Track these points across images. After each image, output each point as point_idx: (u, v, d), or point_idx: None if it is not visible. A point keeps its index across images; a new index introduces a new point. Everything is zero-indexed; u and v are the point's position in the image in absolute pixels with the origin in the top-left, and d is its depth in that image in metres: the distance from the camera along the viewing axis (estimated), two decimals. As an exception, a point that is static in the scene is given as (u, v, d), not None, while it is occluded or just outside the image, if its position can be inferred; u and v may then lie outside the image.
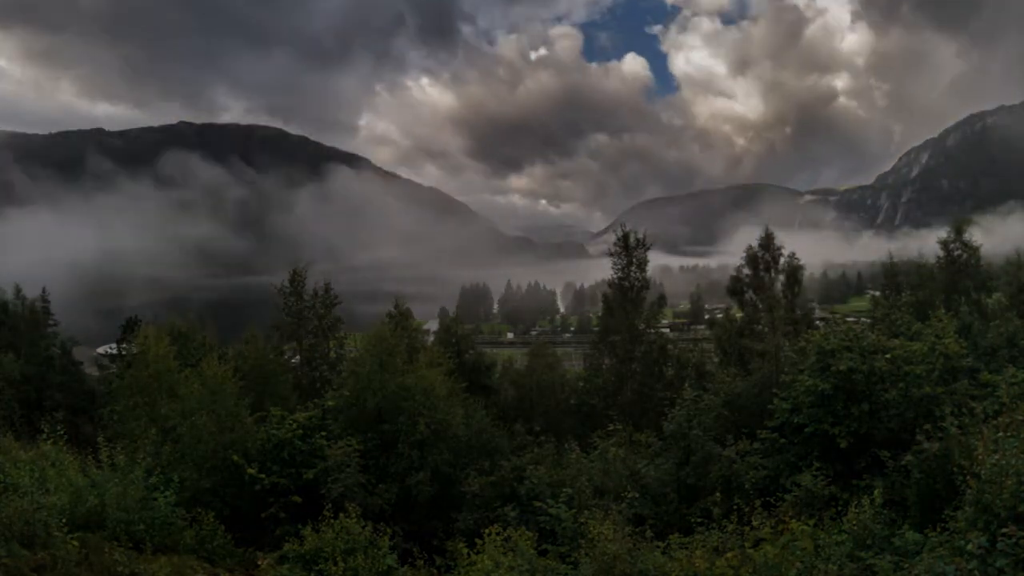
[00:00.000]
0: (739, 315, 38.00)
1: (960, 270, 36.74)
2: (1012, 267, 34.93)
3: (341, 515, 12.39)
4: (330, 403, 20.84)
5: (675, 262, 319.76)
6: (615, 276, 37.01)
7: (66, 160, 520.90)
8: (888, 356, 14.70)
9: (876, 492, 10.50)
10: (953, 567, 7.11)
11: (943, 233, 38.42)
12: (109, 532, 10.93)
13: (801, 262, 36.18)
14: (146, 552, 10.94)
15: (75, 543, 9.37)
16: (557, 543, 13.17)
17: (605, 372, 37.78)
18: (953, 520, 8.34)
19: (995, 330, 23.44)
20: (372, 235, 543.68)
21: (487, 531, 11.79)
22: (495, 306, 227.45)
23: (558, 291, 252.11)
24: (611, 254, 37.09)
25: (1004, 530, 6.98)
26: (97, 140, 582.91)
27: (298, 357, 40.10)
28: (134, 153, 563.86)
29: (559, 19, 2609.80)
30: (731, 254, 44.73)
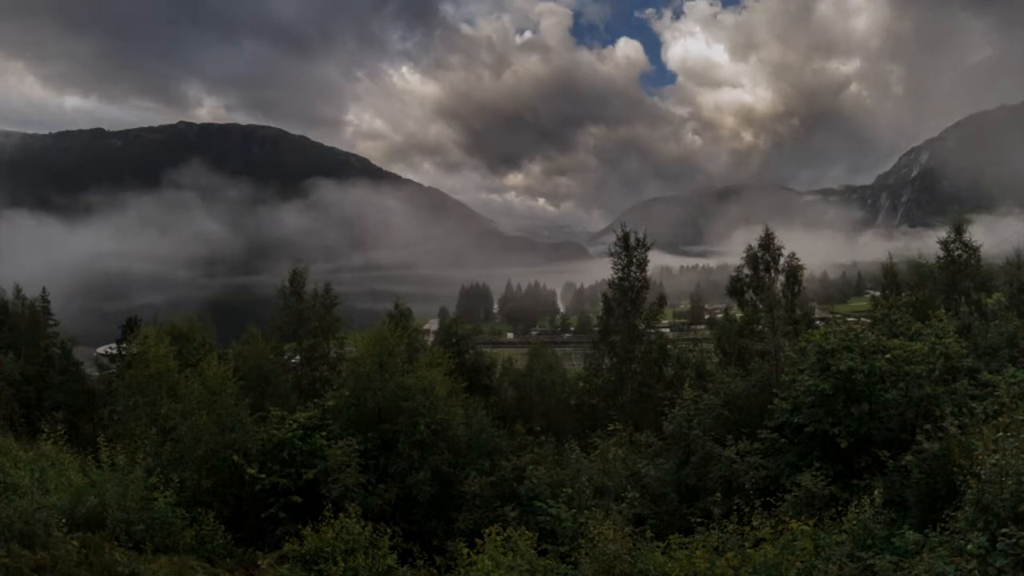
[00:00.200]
0: (739, 315, 37.98)
1: (960, 270, 36.74)
2: (1012, 267, 34.95)
3: (341, 515, 12.39)
4: (330, 403, 20.82)
5: (675, 262, 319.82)
6: (615, 276, 37.01)
7: (66, 160, 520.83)
8: (888, 356, 14.68)
9: (876, 492, 10.50)
10: (953, 567, 7.12)
11: (943, 233, 38.43)
12: (109, 532, 10.92)
13: (801, 262, 36.18)
14: (146, 552, 10.93)
15: (75, 543, 9.36)
16: (557, 543, 13.17)
17: (605, 372, 37.78)
18: (953, 520, 8.33)
19: (995, 330, 23.40)
20: (372, 235, 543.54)
21: (487, 531, 11.79)
22: (495, 306, 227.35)
23: (558, 291, 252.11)
24: (611, 254, 37.10)
25: (1004, 530, 6.98)
26: (97, 140, 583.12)
27: (298, 357, 40.13)
28: (134, 153, 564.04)
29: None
30: (731, 254, 44.69)
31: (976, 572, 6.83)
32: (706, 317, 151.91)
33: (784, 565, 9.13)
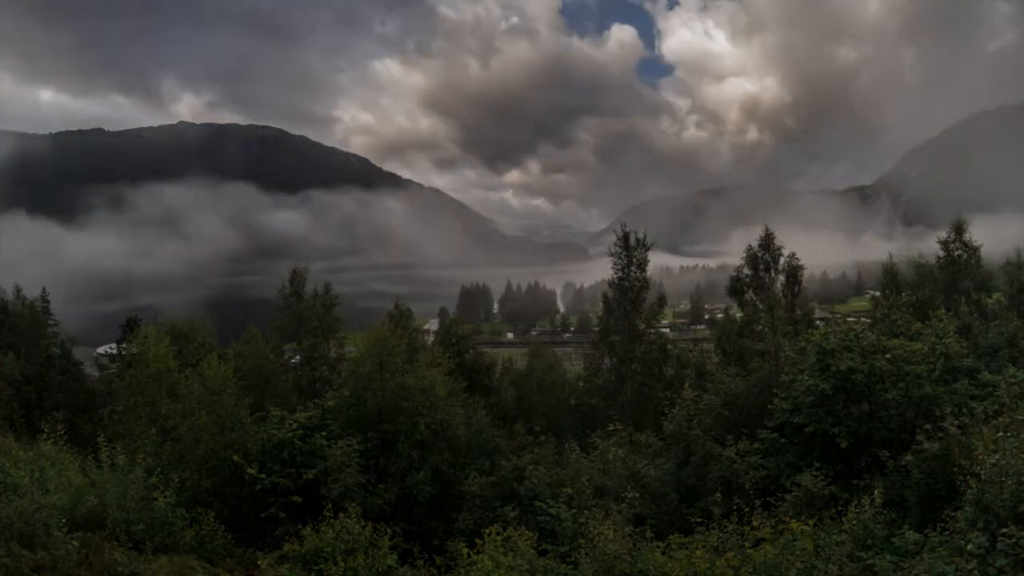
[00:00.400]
0: (739, 315, 37.98)
1: (960, 270, 36.72)
2: (1012, 267, 34.92)
3: (341, 515, 12.38)
4: (330, 403, 20.83)
5: (675, 262, 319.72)
6: (615, 276, 37.05)
7: (67, 160, 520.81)
8: (888, 356, 14.68)
9: (876, 492, 10.50)
10: (953, 567, 7.12)
11: (943, 233, 38.40)
12: (109, 532, 10.92)
13: (801, 262, 36.19)
14: (146, 552, 10.93)
15: (75, 543, 9.36)
16: (557, 543, 13.18)
17: (605, 372, 37.79)
18: (953, 520, 8.33)
19: (995, 330, 23.40)
20: (372, 235, 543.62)
21: (487, 531, 11.79)
22: (495, 306, 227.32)
23: (558, 291, 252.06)
24: (611, 254, 37.13)
25: (1004, 530, 6.98)
26: (97, 140, 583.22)
27: (298, 357, 40.13)
28: (134, 154, 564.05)
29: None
30: (731, 254, 44.66)
31: (976, 572, 6.83)
32: (706, 317, 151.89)
33: (784, 565, 9.13)
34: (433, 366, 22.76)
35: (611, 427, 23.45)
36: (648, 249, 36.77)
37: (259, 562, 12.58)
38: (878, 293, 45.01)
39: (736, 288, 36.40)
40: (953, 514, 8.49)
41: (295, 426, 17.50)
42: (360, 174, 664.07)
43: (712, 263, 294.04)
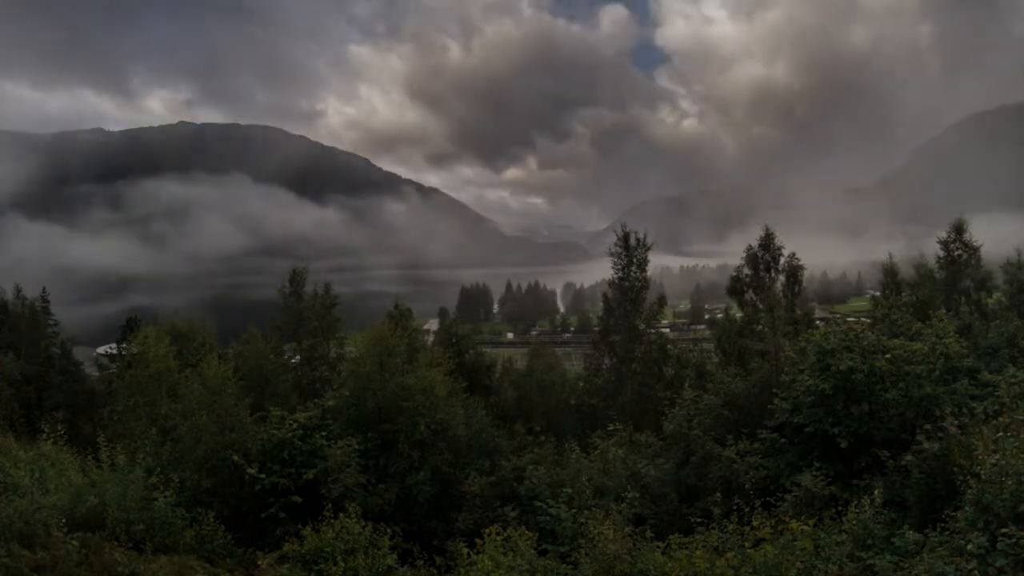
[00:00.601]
0: (739, 315, 37.97)
1: (960, 270, 36.71)
2: (1012, 267, 34.90)
3: (341, 515, 12.38)
4: (330, 403, 20.84)
5: (675, 262, 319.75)
6: (615, 276, 37.06)
7: (67, 160, 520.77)
8: (888, 356, 14.68)
9: (876, 492, 10.50)
10: (953, 567, 7.12)
11: (943, 233, 38.37)
12: (109, 532, 10.92)
13: (801, 262, 36.20)
14: (146, 552, 10.93)
15: (75, 543, 9.36)
16: (557, 543, 13.18)
17: (605, 372, 37.80)
18: (953, 520, 8.33)
19: (995, 330, 23.39)
20: (373, 235, 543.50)
21: (487, 531, 11.79)
22: (495, 306, 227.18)
23: (558, 291, 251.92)
24: (611, 254, 37.13)
25: (1004, 530, 6.98)
26: (97, 140, 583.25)
27: (298, 357, 40.14)
28: (134, 153, 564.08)
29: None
30: (731, 254, 44.64)
31: (976, 572, 6.83)
32: (706, 317, 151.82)
33: (784, 565, 9.13)
34: (433, 366, 22.76)
35: (611, 427, 23.44)
36: (648, 249, 36.78)
37: (259, 562, 12.57)
38: (878, 293, 44.99)
39: (736, 288, 36.40)
40: (953, 514, 8.49)
41: (295, 426, 17.50)
42: (360, 174, 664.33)
43: (712, 263, 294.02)
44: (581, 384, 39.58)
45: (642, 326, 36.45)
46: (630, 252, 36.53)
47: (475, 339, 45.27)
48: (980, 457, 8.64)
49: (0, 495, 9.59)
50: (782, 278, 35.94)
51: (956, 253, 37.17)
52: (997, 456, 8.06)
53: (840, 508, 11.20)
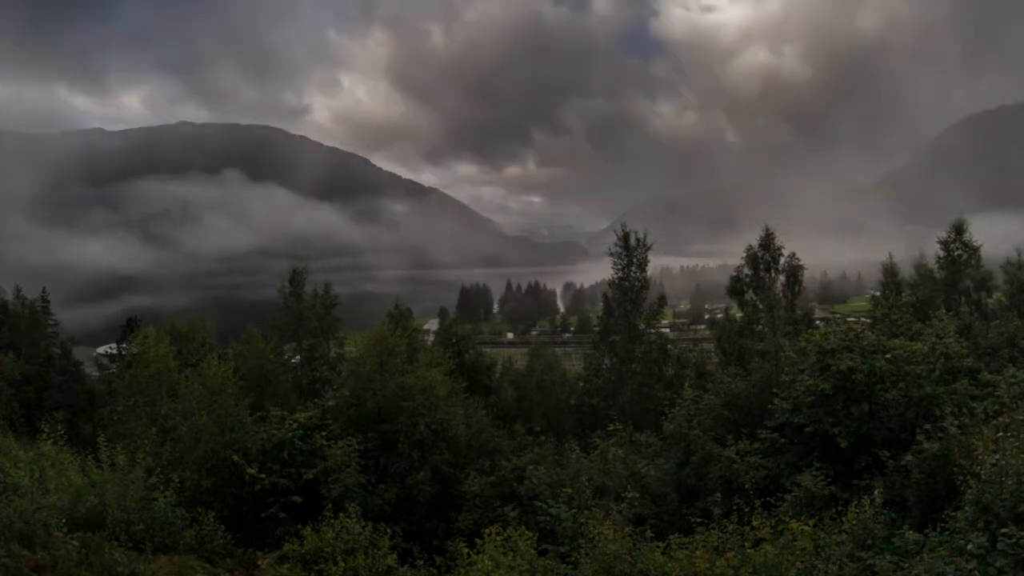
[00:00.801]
0: (739, 315, 37.99)
1: (960, 270, 36.71)
2: (1012, 267, 34.90)
3: (341, 515, 12.38)
4: (330, 403, 20.85)
5: (675, 262, 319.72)
6: (615, 276, 37.06)
7: (67, 160, 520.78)
8: (888, 356, 14.67)
9: (876, 492, 10.49)
10: (953, 567, 7.11)
11: (943, 233, 38.38)
12: (109, 532, 10.92)
13: (801, 262, 36.21)
14: (146, 552, 10.93)
15: (75, 543, 9.36)
16: (557, 543, 13.18)
17: (605, 372, 37.79)
18: (953, 520, 8.32)
19: (995, 330, 23.39)
20: (373, 235, 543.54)
21: (487, 531, 11.79)
22: (495, 306, 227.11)
23: (558, 291, 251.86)
24: (611, 254, 37.13)
25: (1004, 530, 6.98)
26: (97, 140, 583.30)
27: (298, 357, 40.14)
28: (134, 153, 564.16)
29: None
30: (731, 254, 44.65)
31: (976, 572, 6.83)
32: (706, 317, 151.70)
33: (784, 565, 9.13)
34: (433, 366, 22.77)
35: (611, 427, 23.45)
36: (648, 249, 36.78)
37: (259, 562, 12.58)
38: (878, 293, 44.97)
39: (736, 288, 36.43)
40: (953, 514, 8.48)
41: (295, 426, 17.51)
42: (360, 174, 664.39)
43: (712, 263, 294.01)
44: (581, 384, 39.57)
45: (642, 326, 36.45)
46: (630, 252, 36.54)
47: (475, 339, 45.30)
48: (980, 457, 8.64)
49: (0, 495, 9.59)
50: (782, 278, 35.98)
51: (956, 253, 37.15)
52: (997, 456, 8.06)
53: (840, 508, 11.19)
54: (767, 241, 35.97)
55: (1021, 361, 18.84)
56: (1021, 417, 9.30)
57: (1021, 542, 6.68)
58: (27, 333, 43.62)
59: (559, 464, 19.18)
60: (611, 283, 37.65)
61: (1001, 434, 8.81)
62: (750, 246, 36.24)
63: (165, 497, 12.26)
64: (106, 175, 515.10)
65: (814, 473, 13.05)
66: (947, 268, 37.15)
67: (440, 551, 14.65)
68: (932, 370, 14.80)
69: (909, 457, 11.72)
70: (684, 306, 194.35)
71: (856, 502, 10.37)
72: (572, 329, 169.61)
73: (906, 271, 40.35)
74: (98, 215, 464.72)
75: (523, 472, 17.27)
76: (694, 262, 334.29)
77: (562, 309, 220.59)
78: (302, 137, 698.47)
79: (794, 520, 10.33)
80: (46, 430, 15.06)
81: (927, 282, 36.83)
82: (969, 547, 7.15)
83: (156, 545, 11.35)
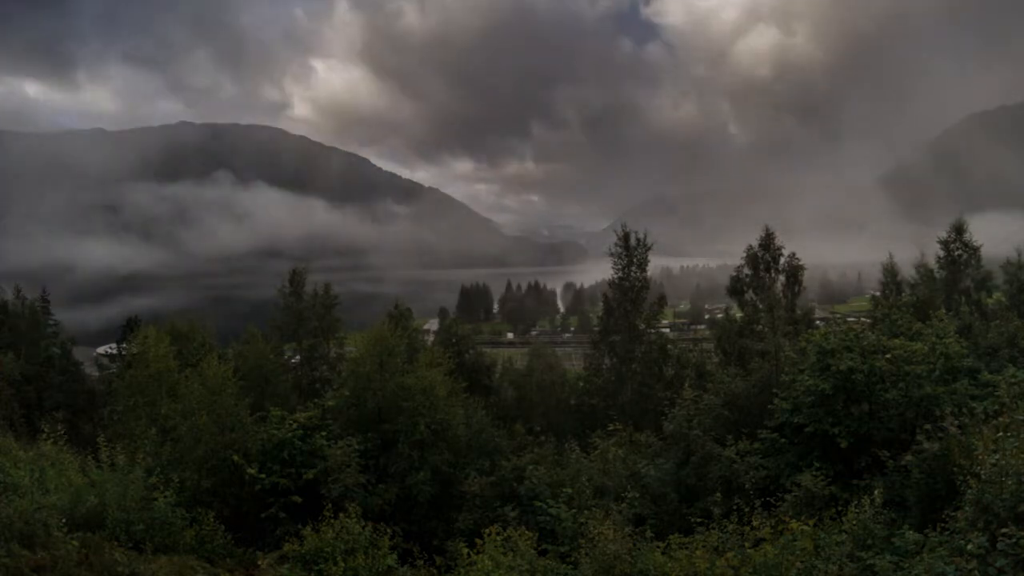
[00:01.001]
0: (739, 315, 37.98)
1: (960, 270, 36.70)
2: (1012, 267, 34.89)
3: (341, 515, 12.39)
4: (330, 403, 20.85)
5: (675, 262, 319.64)
6: (615, 276, 37.04)
7: (66, 160, 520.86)
8: (888, 356, 14.67)
9: (876, 492, 10.49)
10: (953, 567, 7.11)
11: (943, 233, 38.37)
12: (109, 532, 10.93)
13: (801, 262, 36.20)
14: (146, 552, 10.93)
15: (75, 543, 9.36)
16: (557, 543, 13.18)
17: (605, 372, 37.76)
18: (953, 520, 8.32)
19: (995, 330, 23.39)
20: (373, 234, 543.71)
21: (487, 531, 11.79)
22: (495, 306, 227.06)
23: (558, 291, 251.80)
24: (611, 254, 37.11)
25: (1004, 530, 6.98)
26: (97, 140, 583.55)
27: (298, 357, 40.14)
28: (134, 153, 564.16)
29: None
30: (731, 254, 44.66)
31: (976, 572, 6.83)
32: (706, 317, 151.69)
33: (784, 565, 9.13)
34: (433, 366, 22.77)
35: (611, 427, 23.43)
36: (649, 249, 36.76)
37: (259, 562, 12.58)
38: (878, 293, 44.97)
39: (736, 288, 36.42)
40: (953, 514, 8.48)
41: (295, 426, 17.50)
42: (360, 173, 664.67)
43: (712, 263, 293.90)
44: (581, 384, 39.55)
45: (642, 326, 36.43)
46: (630, 252, 36.52)
47: (475, 339, 45.31)
48: (980, 457, 8.63)
49: (0, 495, 9.59)
50: (782, 278, 35.97)
51: (956, 253, 37.13)
52: (997, 456, 8.06)
53: (840, 508, 11.19)
54: (767, 241, 35.97)
55: (1021, 361, 18.84)
56: (1021, 417, 9.30)
57: (1021, 542, 6.68)
58: (27, 333, 43.56)
59: (559, 464, 19.18)
60: (611, 283, 37.63)
61: (1001, 434, 8.81)
62: (750, 246, 36.24)
63: (165, 497, 12.26)
64: (106, 175, 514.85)
65: (814, 473, 13.05)
66: (947, 268, 37.12)
67: (440, 551, 14.65)
68: (932, 370, 14.80)
69: (909, 457, 11.72)
70: (684, 306, 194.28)
71: (856, 502, 10.37)
72: (572, 329, 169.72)
73: (906, 271, 40.33)
74: (98, 215, 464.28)
75: (523, 472, 17.27)
76: (694, 262, 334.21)
77: (562, 309, 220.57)
78: (302, 137, 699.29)
79: (794, 520, 10.32)
80: (46, 430, 15.06)
81: (927, 282, 36.81)
82: (969, 547, 7.15)
83: (156, 545, 11.35)
